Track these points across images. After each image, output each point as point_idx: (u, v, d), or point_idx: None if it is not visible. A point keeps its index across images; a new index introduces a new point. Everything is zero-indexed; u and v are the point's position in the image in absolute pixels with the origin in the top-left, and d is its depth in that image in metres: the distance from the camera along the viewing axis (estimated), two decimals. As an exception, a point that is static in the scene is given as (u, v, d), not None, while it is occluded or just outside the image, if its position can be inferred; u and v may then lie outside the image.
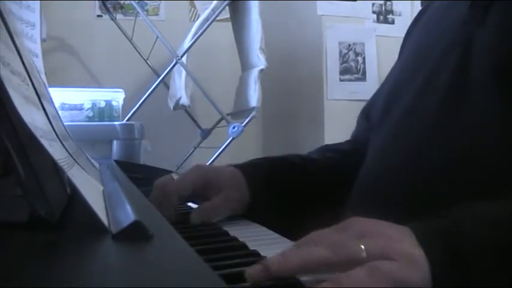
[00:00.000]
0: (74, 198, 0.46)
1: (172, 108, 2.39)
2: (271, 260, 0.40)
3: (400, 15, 2.84)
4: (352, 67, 2.72)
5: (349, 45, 2.72)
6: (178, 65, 2.29)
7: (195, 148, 2.69)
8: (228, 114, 2.41)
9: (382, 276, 0.38)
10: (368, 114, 0.88)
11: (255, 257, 0.47)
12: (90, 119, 1.88)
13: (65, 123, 0.68)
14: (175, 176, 0.75)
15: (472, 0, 0.64)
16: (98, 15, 2.90)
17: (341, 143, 0.92)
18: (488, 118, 0.57)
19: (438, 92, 0.63)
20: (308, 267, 0.40)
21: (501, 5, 0.60)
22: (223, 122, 2.43)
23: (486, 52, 0.60)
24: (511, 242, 0.42)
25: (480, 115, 0.58)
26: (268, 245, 0.54)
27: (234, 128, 2.25)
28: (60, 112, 1.15)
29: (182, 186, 0.73)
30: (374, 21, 2.80)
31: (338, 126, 2.60)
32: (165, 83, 2.49)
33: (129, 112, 2.21)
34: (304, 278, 0.41)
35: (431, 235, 0.43)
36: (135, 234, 0.35)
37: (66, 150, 0.48)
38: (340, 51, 2.71)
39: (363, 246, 0.40)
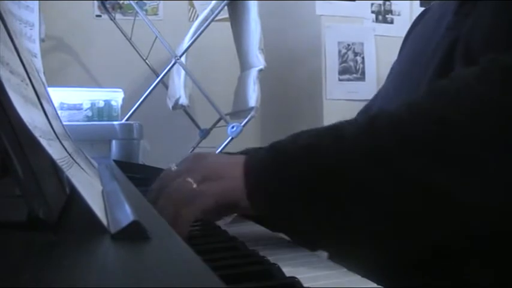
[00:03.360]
0: (73, 197, 0.46)
1: (171, 108, 2.39)
2: None
3: (399, 15, 2.84)
4: (351, 67, 2.72)
5: (348, 45, 2.72)
6: (177, 64, 2.29)
7: (194, 148, 2.69)
8: (227, 114, 2.41)
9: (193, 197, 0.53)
10: (368, 112, 0.89)
11: (254, 257, 0.47)
12: (89, 118, 1.88)
13: (64, 123, 0.68)
14: None
15: (457, 5, 0.67)
16: (97, 15, 2.90)
17: None
18: None
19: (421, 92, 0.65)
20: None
21: (479, 12, 0.62)
22: (222, 122, 2.43)
23: (462, 54, 0.61)
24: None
25: None
26: (267, 245, 0.54)
27: (233, 127, 2.25)
28: (59, 112, 1.15)
29: None
30: (373, 21, 2.80)
31: (337, 126, 2.60)
32: (164, 83, 2.49)
33: (128, 112, 2.21)
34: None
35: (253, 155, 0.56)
36: (134, 234, 0.35)
37: (65, 149, 0.48)
38: (339, 51, 2.71)
39: (190, 179, 0.54)
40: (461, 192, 0.47)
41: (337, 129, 0.53)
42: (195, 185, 0.54)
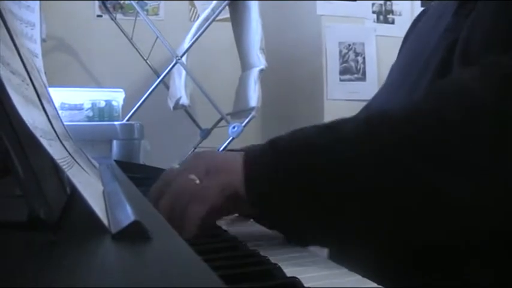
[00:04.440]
0: (74, 197, 0.46)
1: (172, 108, 2.39)
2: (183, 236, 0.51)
3: (400, 15, 2.84)
4: (352, 67, 2.72)
5: (349, 45, 2.72)
6: (178, 64, 2.29)
7: (195, 148, 2.69)
8: (227, 114, 2.41)
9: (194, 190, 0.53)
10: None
11: (255, 257, 0.47)
12: (90, 118, 1.88)
13: (64, 123, 0.68)
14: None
15: (457, 6, 0.67)
16: (98, 15, 2.90)
17: None
18: None
19: (421, 92, 0.65)
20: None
21: (478, 12, 0.62)
22: (223, 122, 2.43)
23: (461, 56, 0.61)
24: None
25: None
26: (267, 245, 0.54)
27: (233, 128, 2.25)
28: (60, 112, 1.15)
29: None
30: (374, 21, 2.80)
31: (338, 126, 2.60)
32: (165, 83, 2.49)
33: (129, 112, 2.22)
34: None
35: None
36: (134, 234, 0.35)
37: (66, 150, 0.48)
38: (340, 51, 2.71)
39: (193, 176, 0.54)
40: (457, 192, 0.48)
41: (336, 128, 0.53)
42: (198, 181, 0.54)
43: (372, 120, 0.52)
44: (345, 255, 0.49)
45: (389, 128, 0.50)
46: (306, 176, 0.50)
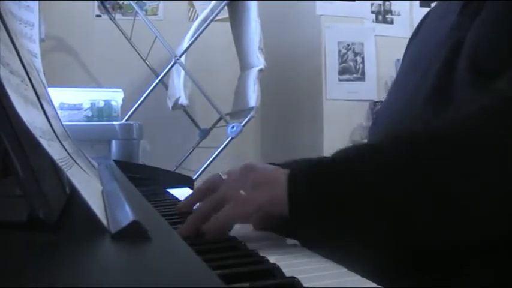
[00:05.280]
0: (73, 197, 0.46)
1: (171, 108, 2.39)
2: (206, 227, 0.54)
3: (399, 15, 2.84)
4: (351, 67, 2.72)
5: (348, 45, 2.72)
6: (177, 64, 2.29)
7: (194, 148, 2.69)
8: (227, 114, 2.41)
9: (243, 202, 0.55)
10: (375, 123, 0.90)
11: (254, 257, 0.47)
12: (89, 118, 1.88)
13: (63, 123, 0.68)
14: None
15: (462, 5, 0.67)
16: (97, 15, 2.90)
17: None
18: None
19: (424, 92, 0.66)
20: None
21: (487, 12, 0.62)
22: (222, 122, 2.43)
23: (466, 53, 0.61)
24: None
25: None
26: (268, 245, 0.54)
27: (233, 127, 2.25)
28: (59, 112, 1.15)
29: None
30: (373, 21, 2.80)
31: (337, 126, 2.60)
32: (164, 83, 2.49)
33: (128, 112, 2.21)
34: None
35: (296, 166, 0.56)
36: (134, 234, 0.35)
37: (65, 150, 0.48)
38: (339, 51, 2.71)
39: (242, 191, 0.55)
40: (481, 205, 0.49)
41: (378, 153, 0.54)
42: (243, 193, 0.56)
43: (415, 147, 0.52)
44: (345, 255, 0.50)
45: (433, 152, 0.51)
46: (345, 201, 0.51)
